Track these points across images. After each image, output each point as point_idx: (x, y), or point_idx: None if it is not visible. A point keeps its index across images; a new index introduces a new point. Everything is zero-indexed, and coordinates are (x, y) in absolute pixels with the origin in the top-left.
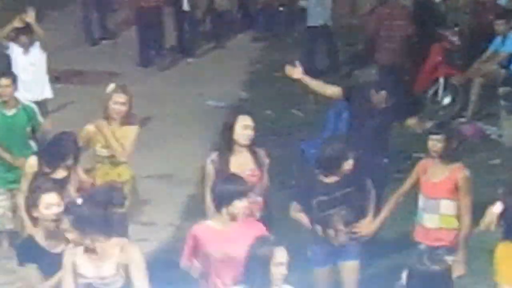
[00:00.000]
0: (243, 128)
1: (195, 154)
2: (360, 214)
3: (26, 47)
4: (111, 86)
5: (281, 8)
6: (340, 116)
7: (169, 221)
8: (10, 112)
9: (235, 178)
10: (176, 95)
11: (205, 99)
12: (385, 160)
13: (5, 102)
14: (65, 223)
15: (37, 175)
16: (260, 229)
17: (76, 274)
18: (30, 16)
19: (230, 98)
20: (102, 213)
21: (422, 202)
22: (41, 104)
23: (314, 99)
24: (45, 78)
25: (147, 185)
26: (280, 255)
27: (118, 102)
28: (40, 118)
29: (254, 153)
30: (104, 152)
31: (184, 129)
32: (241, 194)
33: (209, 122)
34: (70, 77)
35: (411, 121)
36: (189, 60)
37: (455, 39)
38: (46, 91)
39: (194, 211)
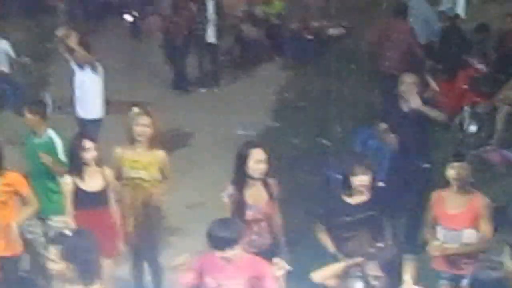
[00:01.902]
0: (256, 162)
1: (224, 181)
2: (379, 238)
3: (82, 65)
4: (135, 109)
5: (309, 37)
6: (366, 144)
7: (199, 249)
8: (37, 140)
9: (227, 223)
10: (206, 123)
11: (234, 127)
12: (426, 165)
13: (32, 131)
14: (53, 253)
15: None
16: (262, 268)
17: None
18: (73, 40)
19: (259, 127)
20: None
21: (442, 233)
22: (94, 122)
23: (341, 127)
24: (98, 97)
25: (177, 213)
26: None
27: (141, 124)
28: (61, 156)
29: (267, 184)
30: (132, 174)
31: (215, 157)
32: (234, 242)
33: None
34: None
35: None
36: (218, 89)
37: (481, 66)
38: (97, 111)
39: None
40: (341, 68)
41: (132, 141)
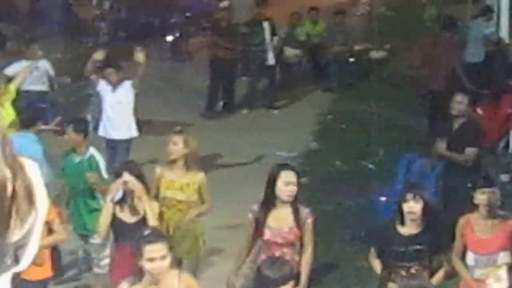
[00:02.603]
0: (285, 184)
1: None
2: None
3: (115, 85)
4: (176, 129)
5: (351, 60)
6: (410, 167)
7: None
8: (78, 158)
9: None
10: (247, 144)
11: (275, 149)
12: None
13: (74, 149)
14: None
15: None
16: None
17: None
18: (140, 56)
19: (300, 149)
20: None
21: (472, 259)
22: (126, 142)
23: (384, 150)
24: (132, 117)
25: (216, 235)
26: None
27: (173, 143)
28: (104, 174)
29: (296, 211)
30: (168, 194)
31: (255, 178)
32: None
33: None
34: (139, 126)
35: None
36: (267, 111)
37: None
38: (132, 130)
39: None
40: (383, 91)
41: (170, 161)
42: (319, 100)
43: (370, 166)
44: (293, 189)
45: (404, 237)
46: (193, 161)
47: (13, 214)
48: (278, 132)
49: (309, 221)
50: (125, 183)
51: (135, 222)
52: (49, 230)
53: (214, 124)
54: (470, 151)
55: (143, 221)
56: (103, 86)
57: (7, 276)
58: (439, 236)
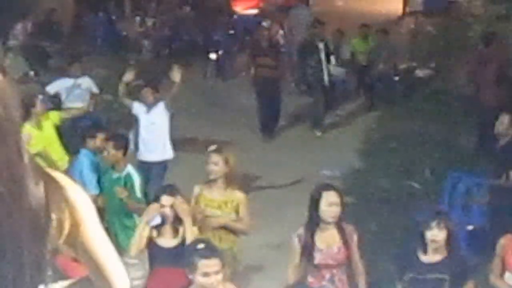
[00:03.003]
0: (328, 205)
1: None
2: None
3: (150, 106)
4: (211, 147)
5: (396, 78)
6: (456, 186)
7: None
8: (115, 175)
9: None
10: (290, 163)
11: (319, 167)
12: None
13: (113, 165)
14: None
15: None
16: None
17: None
18: (176, 75)
19: (345, 167)
20: None
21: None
22: (161, 164)
23: (430, 170)
24: (167, 138)
25: (258, 253)
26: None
27: (212, 162)
28: (138, 192)
29: (341, 229)
30: (206, 212)
31: (298, 197)
32: None
33: None
34: (183, 145)
35: None
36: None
37: None
38: (167, 152)
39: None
40: (429, 109)
41: (208, 179)
42: (364, 118)
43: (416, 185)
44: (336, 209)
45: (425, 264)
46: (232, 180)
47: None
48: (323, 151)
49: (355, 237)
50: (163, 206)
51: (173, 247)
52: None
53: (258, 143)
54: None
55: (182, 245)
56: (137, 108)
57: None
58: (464, 264)
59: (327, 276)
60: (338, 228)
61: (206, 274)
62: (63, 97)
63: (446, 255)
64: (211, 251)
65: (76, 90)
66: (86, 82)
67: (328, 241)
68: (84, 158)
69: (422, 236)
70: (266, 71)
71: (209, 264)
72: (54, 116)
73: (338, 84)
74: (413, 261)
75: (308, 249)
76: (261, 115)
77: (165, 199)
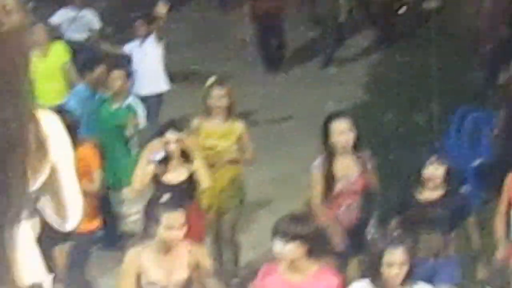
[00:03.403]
0: (339, 134)
1: (314, 157)
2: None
3: (142, 39)
4: (211, 79)
5: (403, 9)
6: (463, 122)
7: None
8: (115, 106)
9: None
10: (296, 97)
11: (325, 100)
12: None
13: (113, 96)
14: None
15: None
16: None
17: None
18: (161, 8)
19: (350, 102)
20: None
21: None
22: (157, 97)
23: (437, 104)
24: (161, 70)
25: (263, 189)
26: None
27: (216, 96)
28: (142, 121)
29: (358, 157)
30: (207, 144)
31: (304, 131)
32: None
33: None
34: (184, 78)
35: None
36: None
37: None
38: (162, 84)
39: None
40: (438, 42)
41: (208, 112)
42: (371, 51)
43: (422, 119)
44: (347, 137)
45: (422, 202)
46: (233, 111)
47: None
48: (328, 85)
49: (371, 164)
50: (167, 142)
51: (179, 183)
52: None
53: (260, 77)
54: None
55: (189, 181)
56: (130, 46)
57: (26, 227)
58: (463, 201)
59: (344, 204)
60: (354, 157)
61: (169, 228)
62: (64, 27)
63: (444, 192)
64: (176, 203)
65: (78, 22)
66: (89, 14)
67: (345, 170)
68: (74, 94)
69: (419, 174)
70: (268, 2)
71: (173, 217)
72: (60, 48)
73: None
74: (411, 200)
75: (328, 179)
76: (263, 49)
77: (170, 135)
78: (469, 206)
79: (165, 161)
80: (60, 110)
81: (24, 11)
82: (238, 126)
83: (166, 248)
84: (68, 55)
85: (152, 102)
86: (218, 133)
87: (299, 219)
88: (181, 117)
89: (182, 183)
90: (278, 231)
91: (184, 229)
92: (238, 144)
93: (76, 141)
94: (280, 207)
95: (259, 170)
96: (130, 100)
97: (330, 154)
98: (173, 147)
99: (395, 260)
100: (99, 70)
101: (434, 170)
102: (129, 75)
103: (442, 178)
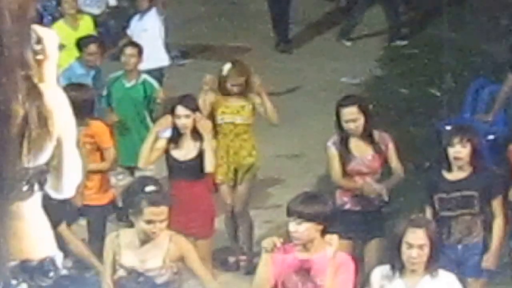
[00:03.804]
0: (347, 122)
1: (328, 132)
2: (482, 227)
3: (143, 12)
4: (227, 66)
5: None
6: (479, 95)
7: None
8: (129, 83)
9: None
10: (309, 71)
11: (339, 75)
12: None
13: (127, 73)
14: None
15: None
16: (345, 263)
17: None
18: None
19: (365, 75)
20: None
21: None
22: (157, 72)
23: (453, 77)
24: (161, 44)
25: (276, 164)
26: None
27: (235, 84)
28: (157, 92)
29: (371, 138)
30: (225, 119)
31: (317, 106)
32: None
33: None
34: (199, 52)
35: None
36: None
37: None
38: (162, 59)
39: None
40: (453, 14)
41: (225, 92)
42: (385, 25)
43: (438, 93)
44: (356, 124)
45: (450, 182)
46: (249, 87)
47: (25, 139)
48: (343, 59)
49: (391, 144)
50: (178, 117)
51: (189, 159)
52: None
53: (275, 50)
54: None
55: (199, 159)
56: (132, 25)
57: (33, 202)
58: (492, 180)
59: (360, 183)
60: (368, 137)
61: (150, 222)
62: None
63: (471, 171)
64: (161, 197)
65: None
66: None
67: (361, 149)
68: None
69: (445, 153)
70: None
71: (157, 212)
72: (89, 22)
73: None
74: (439, 180)
75: (342, 157)
76: (275, 22)
77: (180, 110)
78: (497, 184)
79: (177, 137)
80: (81, 85)
81: None
82: (253, 98)
83: (145, 237)
84: (94, 30)
85: (154, 76)
86: (235, 107)
87: (313, 198)
88: (195, 91)
89: (192, 159)
90: (292, 212)
91: (166, 223)
92: (253, 117)
93: (90, 117)
94: (294, 183)
95: (270, 146)
96: (144, 76)
97: (344, 135)
98: (183, 121)
99: (415, 241)
100: (92, 47)
101: (461, 149)
102: (139, 52)
103: (468, 157)
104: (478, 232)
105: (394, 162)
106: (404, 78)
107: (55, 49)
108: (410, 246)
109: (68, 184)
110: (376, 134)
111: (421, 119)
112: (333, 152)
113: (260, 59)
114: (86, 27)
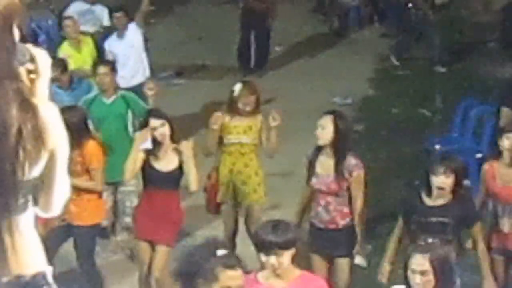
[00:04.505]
0: (318, 127)
1: None
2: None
3: (123, 31)
4: (238, 86)
5: (410, 5)
6: (468, 115)
7: (290, 219)
8: (110, 99)
9: (278, 227)
10: (302, 90)
11: (331, 95)
12: None
13: (103, 92)
14: None
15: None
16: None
17: None
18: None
19: (357, 95)
20: None
21: (500, 208)
22: (138, 88)
23: (442, 97)
24: (144, 56)
25: (269, 183)
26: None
27: (247, 103)
28: (141, 102)
29: (339, 159)
30: (232, 140)
31: (309, 125)
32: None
33: None
34: (193, 72)
35: None
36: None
37: None
38: (146, 71)
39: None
40: (444, 38)
41: (234, 112)
42: (377, 45)
43: (428, 113)
44: (321, 132)
45: (428, 207)
46: (257, 107)
47: (20, 151)
48: (334, 79)
49: (356, 173)
50: (154, 129)
51: (168, 171)
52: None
53: (268, 70)
54: None
55: (179, 171)
56: (111, 43)
57: (27, 216)
58: (470, 209)
59: (322, 203)
60: (337, 158)
61: None
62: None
63: (451, 198)
64: (235, 259)
65: (89, 15)
66: (99, 10)
67: (326, 167)
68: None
69: (427, 179)
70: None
71: (235, 276)
72: (91, 43)
73: (353, 11)
74: (418, 204)
75: (308, 172)
76: (241, 50)
77: (154, 122)
78: (476, 213)
79: (157, 149)
80: (70, 107)
81: None
82: (259, 118)
83: None
84: (95, 50)
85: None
86: (242, 127)
87: (278, 227)
88: (193, 111)
89: (172, 171)
90: (260, 244)
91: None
92: (259, 137)
93: (87, 136)
94: (286, 201)
95: (265, 164)
96: (121, 92)
97: (319, 148)
98: (160, 131)
99: (416, 267)
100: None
101: (444, 180)
102: (114, 69)
103: (451, 187)
104: (451, 257)
105: (354, 192)
106: (395, 98)
107: (47, 68)
108: (413, 271)
109: (57, 201)
110: (349, 159)
111: (411, 138)
112: (306, 164)
113: (253, 78)
114: (89, 48)
